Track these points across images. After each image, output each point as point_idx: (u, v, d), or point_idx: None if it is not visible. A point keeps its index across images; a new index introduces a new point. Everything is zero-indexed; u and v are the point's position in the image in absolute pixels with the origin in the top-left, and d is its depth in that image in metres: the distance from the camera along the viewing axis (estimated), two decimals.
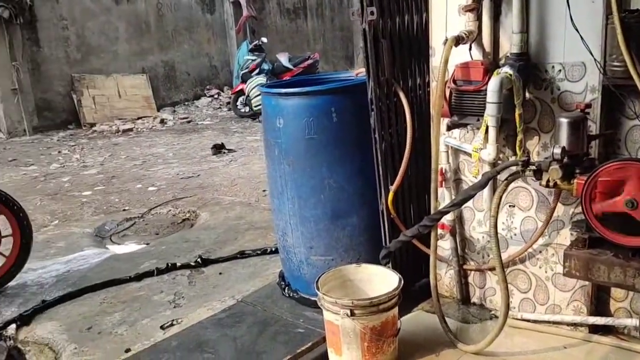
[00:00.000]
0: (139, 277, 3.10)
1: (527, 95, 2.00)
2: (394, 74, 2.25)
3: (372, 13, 2.07)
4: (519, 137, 1.96)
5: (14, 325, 2.68)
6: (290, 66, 10.17)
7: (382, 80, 2.19)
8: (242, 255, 3.30)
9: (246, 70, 9.66)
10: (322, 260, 2.45)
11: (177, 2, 10.67)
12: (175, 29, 10.79)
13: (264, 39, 10.36)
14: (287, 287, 2.64)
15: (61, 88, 9.22)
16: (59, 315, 2.75)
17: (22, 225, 3.13)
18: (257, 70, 9.60)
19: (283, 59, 10.32)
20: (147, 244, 3.89)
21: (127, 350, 2.33)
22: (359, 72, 2.58)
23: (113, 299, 2.88)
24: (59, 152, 7.45)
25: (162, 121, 9.59)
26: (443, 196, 2.29)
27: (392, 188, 2.24)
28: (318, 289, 1.97)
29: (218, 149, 6.93)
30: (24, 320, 2.71)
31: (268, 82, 9.00)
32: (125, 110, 9.71)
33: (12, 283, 3.12)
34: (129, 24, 10.03)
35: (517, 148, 1.97)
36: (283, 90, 2.36)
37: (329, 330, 1.97)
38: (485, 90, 1.91)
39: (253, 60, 9.79)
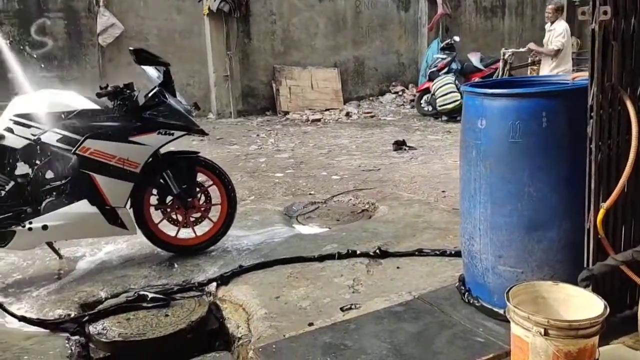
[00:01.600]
0: (321, 258, 3.28)
1: None
2: (622, 81, 2.02)
3: (605, 13, 1.89)
4: None
5: (214, 284, 3.03)
6: (481, 66, 9.81)
7: (606, 86, 1.99)
8: (420, 253, 3.29)
9: (434, 69, 9.55)
10: (510, 272, 2.33)
11: (374, 0, 10.99)
12: (370, 25, 11.13)
13: (457, 38, 10.14)
14: (467, 293, 2.57)
15: (264, 77, 10.19)
16: (252, 280, 3.05)
17: (229, 197, 3.54)
18: (445, 70, 9.44)
19: (474, 58, 9.99)
20: (329, 228, 4.11)
21: (310, 324, 2.48)
22: (576, 76, 2.38)
23: (298, 274, 3.10)
24: (257, 135, 8.25)
25: (348, 114, 9.99)
26: None
27: (605, 205, 2.02)
28: (509, 300, 1.88)
29: (399, 145, 7.01)
30: (223, 280, 3.04)
31: (456, 81, 8.81)
32: (315, 102, 10.35)
33: (216, 246, 3.55)
34: (328, 20, 10.63)
35: None
36: (490, 91, 2.28)
37: (516, 346, 1.87)
38: None
39: (443, 58, 9.64)
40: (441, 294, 2.72)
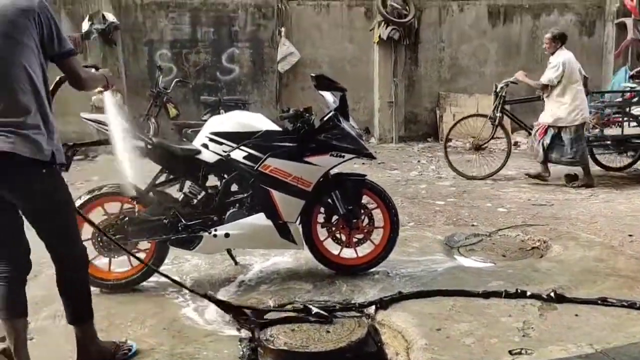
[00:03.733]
0: (487, 295, 3.10)
1: None
2: None
3: None
4: None
5: (373, 307, 3.02)
6: None
7: None
8: (603, 302, 2.94)
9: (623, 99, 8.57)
10: None
11: (555, 25, 10.30)
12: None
13: None
14: None
15: (428, 104, 10.13)
16: (411, 308, 2.99)
17: (392, 221, 3.56)
18: (636, 99, 8.42)
19: None
20: (494, 263, 3.89)
21: None
22: None
23: (461, 308, 2.97)
24: (418, 161, 8.19)
25: (516, 144, 9.43)
26: None
27: None
28: None
29: (571, 179, 6.43)
30: (382, 304, 3.02)
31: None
32: (479, 129, 9.93)
33: (376, 269, 3.56)
34: (500, 46, 10.23)
35: None
36: None
37: None
38: None
39: (632, 87, 8.62)
40: (630, 351, 2.40)
